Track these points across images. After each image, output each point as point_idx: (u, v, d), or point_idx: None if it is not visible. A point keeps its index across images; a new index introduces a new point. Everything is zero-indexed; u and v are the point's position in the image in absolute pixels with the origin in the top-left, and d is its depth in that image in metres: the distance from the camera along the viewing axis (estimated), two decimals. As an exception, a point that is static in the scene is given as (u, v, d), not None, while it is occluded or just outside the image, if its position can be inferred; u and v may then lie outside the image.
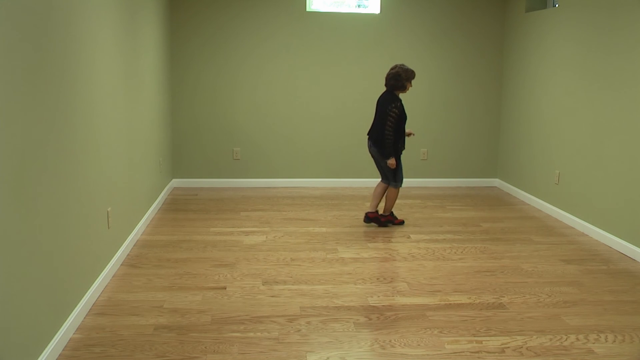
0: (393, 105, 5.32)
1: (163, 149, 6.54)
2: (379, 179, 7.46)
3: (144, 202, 5.49)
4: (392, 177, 5.53)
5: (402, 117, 5.37)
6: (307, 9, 7.12)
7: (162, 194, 6.45)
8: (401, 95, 7.29)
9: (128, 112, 4.80)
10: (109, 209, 4.17)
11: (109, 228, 4.18)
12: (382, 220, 5.62)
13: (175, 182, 7.31)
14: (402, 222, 5.68)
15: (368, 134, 5.57)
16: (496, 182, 7.62)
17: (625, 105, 4.93)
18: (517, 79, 7.01)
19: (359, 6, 7.33)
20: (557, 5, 6.15)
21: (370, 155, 5.70)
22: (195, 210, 6.17)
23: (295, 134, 7.34)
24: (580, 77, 5.62)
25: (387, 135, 5.33)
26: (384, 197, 5.97)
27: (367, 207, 6.39)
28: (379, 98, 5.49)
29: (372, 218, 5.63)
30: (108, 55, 4.18)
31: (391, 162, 5.39)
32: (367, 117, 7.34)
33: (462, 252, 4.90)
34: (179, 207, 6.30)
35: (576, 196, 5.69)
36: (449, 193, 7.18)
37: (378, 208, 6.09)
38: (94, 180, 3.82)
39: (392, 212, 5.67)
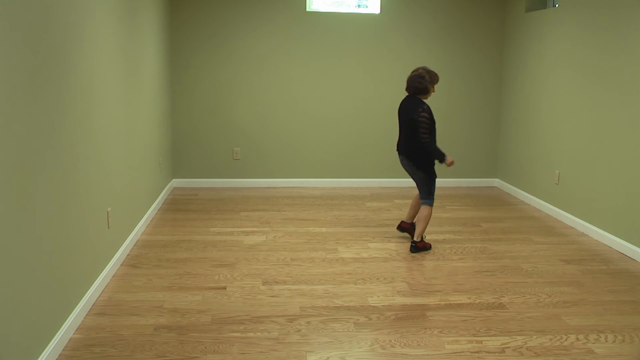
0: (420, 109, 4.75)
1: (163, 149, 6.54)
2: (382, 179, 7.46)
3: (144, 202, 5.49)
4: (426, 191, 4.91)
5: (432, 121, 4.77)
6: (307, 9, 7.13)
7: (162, 194, 6.45)
8: None
9: (128, 112, 4.80)
10: (109, 209, 4.17)
11: (109, 228, 4.18)
12: (418, 246, 4.91)
13: (175, 182, 7.31)
14: (430, 247, 5.01)
15: (398, 149, 5.04)
16: (496, 182, 7.62)
17: (625, 105, 4.93)
18: (517, 79, 7.01)
19: (359, 6, 7.33)
20: (557, 5, 6.15)
21: (403, 169, 5.15)
22: (195, 210, 6.17)
23: (295, 134, 7.34)
24: (580, 77, 5.62)
25: (425, 141, 4.74)
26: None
27: (367, 206, 6.40)
28: (402, 106, 4.95)
29: (405, 228, 5.23)
30: (108, 54, 4.18)
31: (449, 161, 4.78)
32: (367, 116, 7.34)
33: (462, 252, 4.90)
34: (179, 207, 6.30)
35: (576, 196, 5.69)
36: (449, 193, 7.18)
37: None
38: (94, 181, 3.82)
39: (424, 237, 5.02)
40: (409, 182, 7.48)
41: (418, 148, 4.83)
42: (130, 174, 4.89)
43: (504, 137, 7.40)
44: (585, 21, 5.54)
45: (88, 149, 3.69)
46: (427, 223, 4.90)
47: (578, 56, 5.66)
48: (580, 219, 5.62)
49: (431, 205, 4.92)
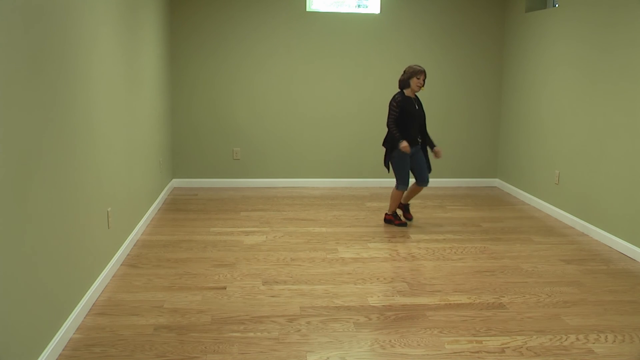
0: (392, 100, 5.47)
1: (163, 148, 6.54)
2: (380, 179, 7.47)
3: (144, 202, 5.49)
4: (395, 177, 5.55)
5: (402, 111, 5.42)
6: (307, 9, 7.13)
7: (162, 194, 6.45)
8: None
9: (128, 112, 4.80)
10: (109, 209, 4.17)
11: (109, 228, 4.18)
12: (385, 217, 5.73)
13: (175, 182, 7.31)
14: (404, 224, 5.64)
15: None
16: (496, 182, 7.62)
17: (625, 105, 4.93)
18: (517, 79, 7.01)
19: (359, 6, 7.33)
20: (557, 5, 6.15)
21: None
22: (195, 210, 6.17)
23: (295, 134, 7.34)
24: (580, 77, 5.62)
25: (390, 128, 5.45)
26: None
27: (367, 206, 6.40)
28: None
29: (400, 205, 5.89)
30: (108, 52, 4.18)
31: (403, 145, 5.31)
32: (367, 116, 7.34)
33: (462, 252, 4.90)
34: (179, 207, 6.30)
35: (576, 196, 5.69)
36: (449, 193, 7.18)
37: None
38: (93, 181, 3.82)
39: (395, 213, 5.69)
40: (409, 182, 7.49)
41: (386, 134, 5.56)
42: (130, 174, 4.89)
43: (504, 137, 7.40)
44: (585, 21, 5.54)
45: (88, 149, 3.69)
46: (394, 202, 5.62)
47: (578, 56, 5.66)
48: (580, 219, 5.62)
49: (397, 189, 5.54)
